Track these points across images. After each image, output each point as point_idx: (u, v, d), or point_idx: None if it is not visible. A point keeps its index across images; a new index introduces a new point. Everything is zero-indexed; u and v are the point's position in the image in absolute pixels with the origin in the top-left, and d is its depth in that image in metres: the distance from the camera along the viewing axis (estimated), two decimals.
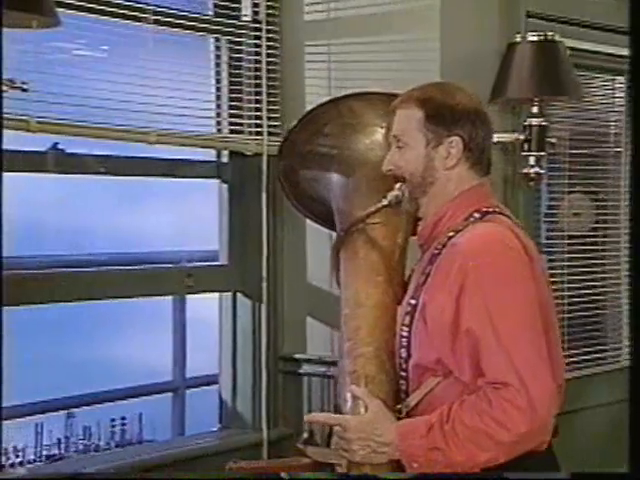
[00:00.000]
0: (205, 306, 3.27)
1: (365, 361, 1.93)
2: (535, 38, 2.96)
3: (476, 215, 1.89)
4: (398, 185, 1.93)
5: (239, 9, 3.04)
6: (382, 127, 2.09)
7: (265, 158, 2.99)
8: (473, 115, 1.91)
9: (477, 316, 1.77)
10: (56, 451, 2.93)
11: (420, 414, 1.84)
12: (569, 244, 3.55)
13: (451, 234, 1.87)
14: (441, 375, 1.83)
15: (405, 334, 1.89)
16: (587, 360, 3.57)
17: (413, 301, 1.88)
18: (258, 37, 3.02)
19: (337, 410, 2.00)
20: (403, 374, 1.90)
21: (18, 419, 2.82)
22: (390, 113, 1.98)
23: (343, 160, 2.13)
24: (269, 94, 3.03)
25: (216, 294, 3.12)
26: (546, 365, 1.76)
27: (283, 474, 2.20)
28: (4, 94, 2.20)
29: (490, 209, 1.91)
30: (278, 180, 2.28)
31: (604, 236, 3.75)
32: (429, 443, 1.75)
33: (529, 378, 1.72)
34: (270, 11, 3.05)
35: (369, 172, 2.08)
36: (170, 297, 3.30)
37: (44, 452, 2.89)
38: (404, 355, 1.89)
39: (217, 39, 3.04)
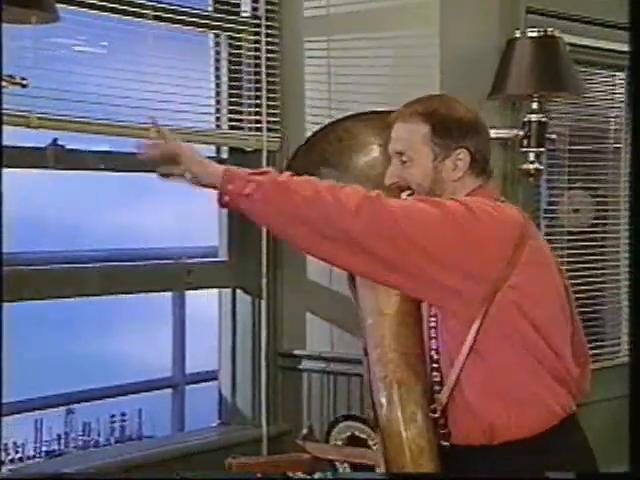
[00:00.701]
0: (205, 302, 3.27)
1: (395, 367, 1.97)
2: (535, 34, 2.96)
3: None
4: (404, 195, 1.96)
5: (239, 5, 3.04)
6: (380, 145, 2.13)
7: (265, 154, 2.99)
8: (476, 127, 1.96)
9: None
10: (56, 447, 2.93)
11: (455, 410, 1.89)
12: (569, 240, 3.55)
13: None
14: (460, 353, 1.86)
15: (433, 324, 1.92)
16: None
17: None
18: (258, 33, 3.02)
19: (370, 416, 2.05)
20: (436, 375, 1.93)
21: (18, 415, 2.82)
22: (386, 128, 2.01)
23: (345, 181, 2.17)
24: (268, 90, 3.03)
25: (216, 290, 3.12)
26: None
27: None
28: (4, 90, 2.20)
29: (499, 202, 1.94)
30: None
31: (604, 232, 3.76)
32: (251, 177, 1.80)
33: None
34: (270, 7, 3.04)
35: (371, 189, 2.11)
36: (170, 293, 3.30)
37: (44, 448, 2.90)
38: (435, 357, 1.93)
39: (217, 35, 3.04)
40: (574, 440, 1.95)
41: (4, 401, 2.00)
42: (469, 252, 1.81)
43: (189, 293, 3.30)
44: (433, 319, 1.92)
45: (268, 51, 3.04)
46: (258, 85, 3.03)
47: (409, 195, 1.96)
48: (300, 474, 2.23)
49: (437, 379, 1.93)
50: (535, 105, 3.00)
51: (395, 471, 1.94)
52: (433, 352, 1.93)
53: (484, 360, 1.86)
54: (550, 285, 1.93)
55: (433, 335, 1.93)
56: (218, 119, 3.04)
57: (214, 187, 1.85)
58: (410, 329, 2.01)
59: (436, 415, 1.91)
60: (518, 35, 2.98)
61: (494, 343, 1.84)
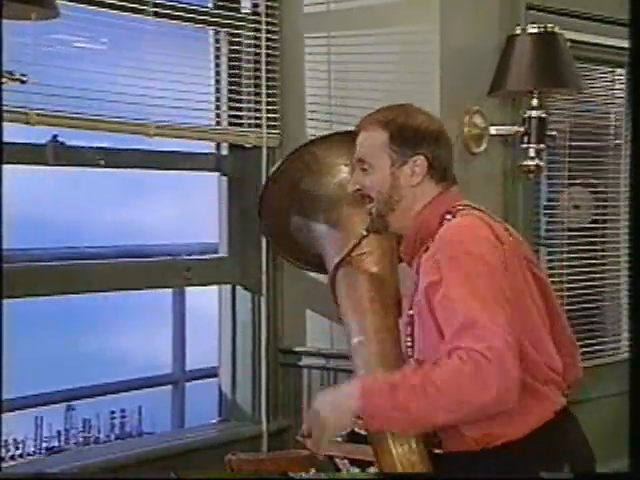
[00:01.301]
0: (204, 299, 3.27)
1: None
2: (535, 30, 2.96)
3: (448, 216, 1.95)
4: (368, 206, 2.03)
5: (239, 1, 3.03)
6: (346, 165, 2.23)
7: (264, 150, 2.99)
8: (435, 135, 2.00)
9: (442, 302, 1.82)
10: (56, 443, 2.93)
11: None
12: (569, 237, 3.55)
13: (429, 239, 1.94)
14: None
15: (409, 344, 1.97)
16: (586, 352, 3.57)
17: (411, 311, 1.95)
18: (257, 29, 3.02)
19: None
20: None
21: (18, 411, 2.82)
22: (352, 147, 2.07)
23: (318, 204, 2.26)
24: (268, 86, 3.02)
25: (215, 287, 3.11)
26: (503, 324, 1.76)
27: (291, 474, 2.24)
28: (3, 86, 2.20)
29: (461, 207, 1.97)
30: (266, 239, 2.40)
31: (604, 229, 3.75)
32: (392, 402, 1.78)
33: (501, 346, 1.73)
34: (269, 3, 3.04)
35: (344, 209, 2.22)
36: (170, 290, 3.30)
37: (44, 444, 2.90)
38: (413, 365, 1.95)
39: (216, 31, 3.03)
40: (568, 432, 1.96)
41: (4, 397, 2.00)
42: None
43: (189, 290, 3.31)
44: (409, 339, 1.96)
45: (268, 47, 3.03)
46: (258, 81, 3.03)
47: (369, 202, 2.01)
48: (303, 474, 2.22)
49: None
50: (535, 101, 2.99)
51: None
52: (417, 364, 1.96)
53: None
54: (520, 288, 1.91)
55: (410, 354, 1.98)
56: (218, 115, 3.04)
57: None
58: (394, 345, 2.07)
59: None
60: (518, 31, 2.98)
61: None
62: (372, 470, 2.43)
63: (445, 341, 1.78)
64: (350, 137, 2.11)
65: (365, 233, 2.07)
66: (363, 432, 2.25)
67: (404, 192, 1.98)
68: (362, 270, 2.15)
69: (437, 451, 1.96)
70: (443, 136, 2.02)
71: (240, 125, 3.02)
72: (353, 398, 1.82)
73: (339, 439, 2.71)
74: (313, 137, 2.39)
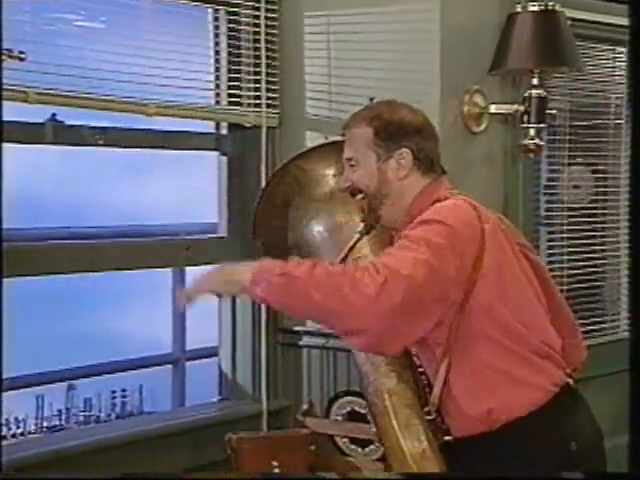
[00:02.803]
0: None
1: (384, 377, 2.04)
2: (535, 8, 2.94)
3: (437, 204, 1.98)
4: (358, 197, 2.07)
5: None
6: (334, 175, 2.26)
7: (264, 130, 2.98)
8: (419, 128, 2.05)
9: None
10: (57, 422, 2.95)
11: (448, 408, 1.94)
12: (569, 216, 3.54)
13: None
14: (442, 356, 1.90)
15: None
16: (585, 332, 3.58)
17: None
18: (257, 8, 3.00)
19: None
20: (423, 378, 2.01)
21: (19, 390, 2.83)
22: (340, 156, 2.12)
23: (311, 217, 2.28)
24: (268, 65, 3.01)
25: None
26: (421, 266, 1.81)
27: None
28: (2, 65, 2.19)
29: (450, 195, 2.00)
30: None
31: (604, 208, 3.75)
32: (280, 269, 1.86)
33: (398, 271, 1.79)
34: None
35: (337, 218, 2.25)
36: (170, 270, 3.30)
37: (45, 423, 2.92)
38: (417, 362, 2.02)
39: (216, 10, 3.02)
40: (574, 411, 1.98)
41: (5, 376, 2.00)
42: (460, 264, 1.86)
43: (189, 269, 3.30)
44: None
45: (267, 26, 3.02)
46: (257, 61, 3.01)
47: (362, 198, 2.06)
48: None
49: (425, 382, 2.01)
50: (535, 80, 2.98)
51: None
52: (415, 358, 2.01)
53: (464, 357, 1.91)
54: (508, 265, 1.95)
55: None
56: (217, 95, 3.02)
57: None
58: None
59: (431, 417, 1.96)
60: (519, 9, 2.96)
61: (468, 339, 1.89)
62: (371, 448, 2.45)
63: None
64: (336, 147, 2.17)
65: (359, 236, 2.09)
66: (363, 411, 2.27)
67: (392, 185, 2.03)
68: None
69: (447, 438, 1.98)
70: (427, 128, 2.06)
71: (239, 104, 3.01)
72: (247, 268, 1.92)
73: (339, 418, 2.73)
74: (305, 150, 2.39)
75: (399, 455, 1.97)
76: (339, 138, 2.16)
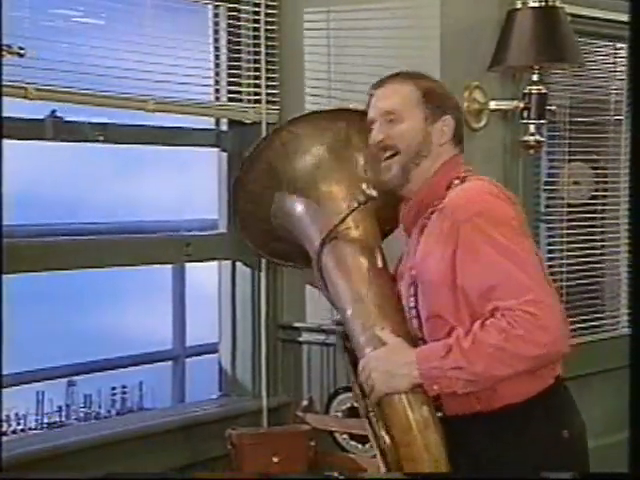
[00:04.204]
0: (204, 275, 3.27)
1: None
2: (536, 4, 2.94)
3: (456, 181, 2.01)
4: (365, 185, 2.04)
5: None
6: (322, 144, 2.21)
7: (264, 126, 2.98)
8: (456, 101, 2.12)
9: (468, 271, 1.87)
10: (57, 419, 2.95)
11: None
12: (569, 213, 3.54)
13: (436, 203, 1.98)
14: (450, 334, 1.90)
15: (413, 304, 1.99)
16: (585, 328, 3.58)
17: (414, 272, 1.98)
18: (257, 4, 2.99)
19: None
20: (421, 344, 1.98)
21: (19, 386, 2.83)
22: (328, 127, 2.16)
23: (297, 185, 2.23)
24: (268, 62, 3.01)
25: (215, 263, 3.11)
26: (552, 289, 1.88)
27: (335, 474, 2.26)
28: (2, 60, 2.19)
29: (468, 175, 2.03)
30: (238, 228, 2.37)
31: (604, 205, 3.75)
32: (449, 364, 1.84)
33: (540, 298, 1.81)
34: None
35: (325, 187, 2.20)
36: (169, 266, 3.30)
37: (45, 420, 2.91)
38: (416, 325, 1.99)
39: (216, 6, 3.01)
40: (564, 401, 2.02)
41: (5, 373, 2.00)
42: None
43: (189, 265, 3.31)
44: (412, 299, 1.99)
45: (267, 22, 3.01)
46: (257, 57, 3.01)
47: (392, 155, 2.02)
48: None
49: None
50: (535, 76, 2.98)
51: (401, 450, 1.93)
52: (417, 330, 1.99)
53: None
54: (533, 250, 1.98)
55: (414, 315, 1.99)
56: (217, 91, 3.02)
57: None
58: (393, 307, 2.06)
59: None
60: (519, 6, 2.95)
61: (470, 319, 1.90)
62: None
63: (483, 300, 1.84)
64: (328, 116, 2.17)
65: (355, 205, 2.05)
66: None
67: (432, 148, 2.04)
68: (352, 241, 2.13)
69: (438, 414, 1.97)
70: (458, 103, 2.15)
71: (239, 101, 3.01)
72: (409, 365, 1.88)
73: (339, 414, 2.73)
74: (297, 116, 2.30)
75: (404, 423, 1.93)
76: (331, 108, 2.15)
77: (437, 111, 2.04)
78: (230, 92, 3.01)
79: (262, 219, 2.31)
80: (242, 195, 2.31)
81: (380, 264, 2.12)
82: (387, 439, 1.94)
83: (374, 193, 2.03)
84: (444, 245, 1.90)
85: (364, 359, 1.95)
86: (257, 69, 3.00)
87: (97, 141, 2.72)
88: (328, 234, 2.09)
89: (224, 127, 3.07)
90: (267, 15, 3.01)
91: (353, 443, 2.65)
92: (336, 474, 2.14)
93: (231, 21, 3.01)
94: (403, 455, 1.92)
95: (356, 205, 2.05)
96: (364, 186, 2.04)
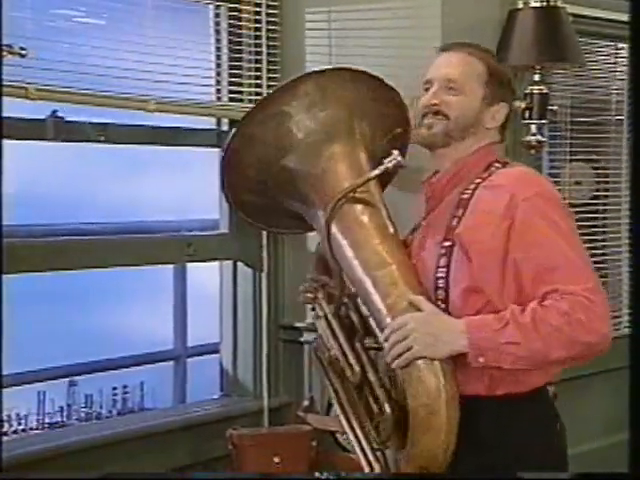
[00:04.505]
0: (206, 275, 3.27)
1: (415, 311, 1.90)
2: (537, 4, 2.93)
3: (497, 164, 2.01)
4: (396, 152, 1.97)
5: None
6: (344, 104, 2.07)
7: None
8: (514, 90, 2.11)
9: (526, 247, 1.85)
10: (58, 419, 2.95)
11: (457, 360, 1.87)
12: None
13: (478, 180, 1.97)
14: (482, 309, 1.88)
15: (442, 275, 1.94)
16: None
17: (447, 243, 1.94)
18: (258, 4, 2.99)
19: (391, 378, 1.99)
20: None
21: (20, 386, 2.83)
22: (355, 82, 2.05)
23: (298, 151, 2.08)
24: (269, 62, 3.01)
25: (216, 263, 3.11)
26: (589, 265, 1.91)
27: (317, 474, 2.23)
28: (3, 60, 2.19)
29: (506, 161, 2.04)
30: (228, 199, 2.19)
31: (605, 204, 3.75)
32: (504, 337, 1.80)
33: (598, 288, 1.84)
34: None
35: (332, 150, 2.07)
36: (171, 266, 3.30)
37: (46, 420, 2.91)
38: (442, 296, 1.94)
39: (217, 6, 3.01)
40: (550, 398, 2.02)
41: (6, 373, 2.00)
42: None
43: (190, 266, 3.30)
44: (443, 269, 1.94)
45: (269, 22, 3.01)
46: (258, 57, 3.01)
47: (440, 118, 1.99)
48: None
49: None
50: (537, 76, 2.97)
51: (419, 418, 1.86)
52: (439, 301, 1.94)
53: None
54: None
55: (441, 285, 1.94)
56: (218, 91, 3.02)
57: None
58: (415, 273, 1.99)
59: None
60: (520, 5, 2.95)
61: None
62: None
63: (538, 280, 1.83)
64: (356, 74, 2.07)
65: (383, 168, 1.95)
66: None
67: (479, 130, 2.02)
68: (366, 203, 2.03)
69: None
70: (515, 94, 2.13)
71: (241, 101, 3.00)
72: (456, 333, 1.83)
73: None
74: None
75: (434, 390, 1.84)
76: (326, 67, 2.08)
77: (496, 95, 2.03)
78: (231, 92, 3.01)
79: (256, 191, 2.17)
80: (234, 163, 2.12)
81: (392, 230, 2.05)
82: (387, 408, 1.91)
83: (403, 162, 1.97)
84: (500, 219, 1.87)
85: (401, 318, 1.87)
86: (258, 69, 3.00)
87: (98, 141, 2.72)
88: (347, 192, 1.98)
89: (225, 127, 3.06)
90: (268, 15, 3.01)
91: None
92: (326, 474, 2.12)
93: (232, 21, 3.00)
94: (420, 424, 1.85)
95: (377, 172, 1.97)
96: (395, 153, 1.96)
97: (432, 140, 2.03)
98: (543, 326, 1.79)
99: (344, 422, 2.05)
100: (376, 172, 1.97)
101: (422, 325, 1.86)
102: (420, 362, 1.86)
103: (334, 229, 2.00)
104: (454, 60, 2.04)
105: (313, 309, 2.16)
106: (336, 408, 2.08)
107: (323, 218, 2.00)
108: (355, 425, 2.02)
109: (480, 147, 2.03)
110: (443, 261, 1.94)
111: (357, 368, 1.99)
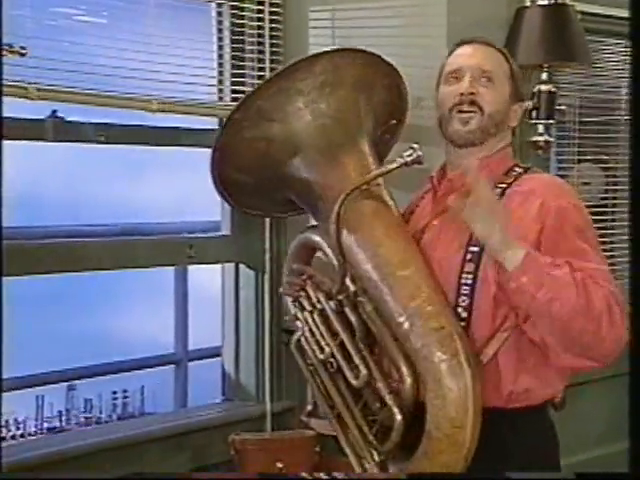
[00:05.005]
0: (207, 277, 3.24)
1: (446, 315, 1.83)
2: (545, 2, 2.92)
3: (518, 169, 1.97)
4: (416, 146, 1.88)
5: None
6: (357, 87, 1.98)
7: None
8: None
9: (559, 254, 1.81)
10: (57, 424, 2.93)
11: (497, 365, 1.84)
12: None
13: (503, 185, 1.92)
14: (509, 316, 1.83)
15: (469, 281, 1.86)
16: None
17: (474, 247, 1.86)
18: (261, 3, 2.97)
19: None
20: (463, 324, 1.86)
21: (19, 391, 2.81)
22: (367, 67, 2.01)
23: (320, 120, 1.96)
24: (272, 61, 2.98)
25: (218, 265, 3.09)
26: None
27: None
28: (3, 60, 2.17)
29: (528, 166, 2.02)
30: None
31: (614, 205, 3.71)
32: (555, 274, 1.76)
33: (622, 298, 1.79)
34: None
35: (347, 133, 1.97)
36: (172, 268, 3.27)
37: (45, 424, 2.90)
38: (465, 303, 1.86)
39: (219, 5, 2.99)
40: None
41: (4, 377, 1.97)
42: None
43: (191, 268, 3.28)
44: (470, 276, 1.87)
45: (271, 21, 2.99)
46: (261, 56, 2.99)
47: (475, 112, 1.94)
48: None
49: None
50: (545, 76, 2.95)
51: (447, 438, 1.78)
52: (462, 310, 1.87)
53: (520, 334, 1.85)
54: None
55: (465, 291, 1.87)
56: (220, 91, 3.00)
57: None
58: (434, 276, 1.89)
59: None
60: (528, 3, 2.94)
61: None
62: None
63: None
64: (371, 58, 2.00)
65: (403, 161, 1.86)
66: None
67: (504, 127, 1.99)
68: (379, 198, 1.95)
69: None
70: None
71: None
72: (514, 247, 1.77)
73: None
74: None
75: (462, 404, 1.76)
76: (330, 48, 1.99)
77: (517, 93, 2.01)
78: (234, 92, 2.98)
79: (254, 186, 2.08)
80: (227, 159, 2.03)
81: (405, 224, 2.00)
82: (398, 415, 1.82)
83: (422, 159, 1.87)
84: (532, 224, 1.84)
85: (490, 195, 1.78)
86: (261, 69, 2.98)
87: (99, 142, 2.70)
88: (362, 184, 1.87)
89: None
90: (271, 14, 2.99)
91: None
92: (322, 474, 2.08)
93: (235, 20, 2.98)
94: (442, 437, 1.77)
95: (395, 166, 1.87)
96: (416, 146, 1.87)
97: (469, 137, 1.95)
98: (586, 294, 1.75)
99: (338, 429, 1.97)
100: (394, 165, 1.88)
101: (502, 216, 1.79)
102: (449, 373, 1.77)
103: (344, 224, 1.88)
104: (483, 52, 1.99)
105: (296, 302, 2.05)
106: (327, 413, 2.00)
107: (330, 211, 1.87)
108: (353, 432, 1.94)
109: (501, 147, 1.99)
110: (469, 267, 1.87)
111: (364, 371, 1.90)
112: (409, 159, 1.87)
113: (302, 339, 2.02)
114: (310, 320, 2.00)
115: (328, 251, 2.01)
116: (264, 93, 1.96)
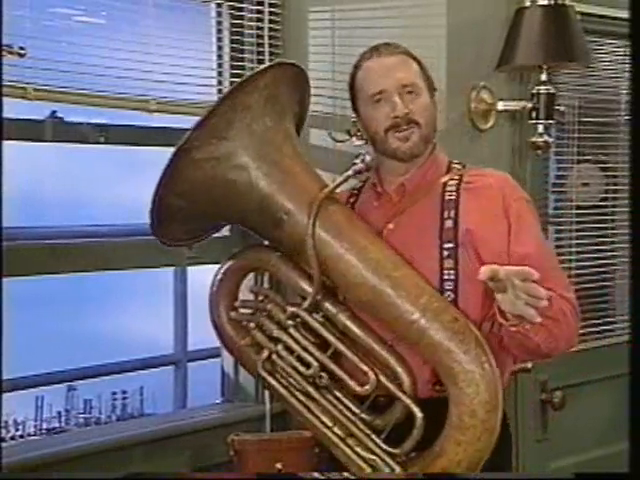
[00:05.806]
0: (207, 278, 3.23)
1: (453, 308, 1.89)
2: (544, 2, 2.92)
3: (456, 165, 2.04)
4: (364, 151, 1.95)
5: None
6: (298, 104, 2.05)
7: None
8: None
9: (527, 243, 1.92)
10: (57, 424, 2.92)
11: None
12: (578, 214, 3.51)
13: (452, 182, 1.98)
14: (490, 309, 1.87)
15: (451, 277, 1.92)
16: (595, 332, 3.54)
17: (449, 244, 1.92)
18: (260, 3, 2.97)
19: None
20: None
21: (18, 392, 2.81)
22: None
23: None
24: (271, 62, 2.97)
25: (218, 266, 3.07)
26: None
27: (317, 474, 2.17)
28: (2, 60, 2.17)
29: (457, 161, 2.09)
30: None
31: (613, 206, 3.71)
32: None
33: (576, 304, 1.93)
34: None
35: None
36: (171, 269, 3.27)
37: (44, 425, 2.89)
38: (450, 298, 1.92)
39: (219, 5, 2.98)
40: None
41: (4, 378, 1.97)
42: None
43: (191, 269, 3.27)
44: (452, 272, 1.93)
45: (271, 21, 2.98)
46: (260, 57, 2.98)
47: (412, 127, 1.98)
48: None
49: None
50: (544, 76, 2.95)
51: (472, 440, 1.82)
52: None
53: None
54: None
55: (449, 287, 1.93)
56: (219, 91, 2.99)
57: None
58: (427, 279, 1.94)
59: None
60: (527, 4, 2.93)
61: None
62: None
63: (543, 278, 1.75)
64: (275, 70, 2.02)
65: (351, 172, 1.92)
66: None
67: (436, 122, 2.05)
68: (342, 207, 2.02)
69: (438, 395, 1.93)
70: None
71: None
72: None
73: None
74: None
75: (492, 393, 1.81)
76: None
77: (431, 83, 2.05)
78: None
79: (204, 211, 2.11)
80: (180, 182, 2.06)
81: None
82: (419, 413, 1.90)
83: (372, 163, 1.94)
84: (500, 218, 1.93)
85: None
86: None
87: (98, 142, 2.69)
88: (319, 204, 1.90)
89: None
90: (271, 14, 2.98)
91: None
92: (316, 474, 2.08)
93: (234, 20, 2.98)
94: (469, 440, 1.82)
95: (351, 173, 1.93)
96: (363, 152, 1.94)
97: (413, 152, 2.00)
98: (568, 327, 1.87)
99: (343, 455, 2.02)
100: (350, 173, 1.93)
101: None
102: (475, 360, 1.82)
103: (321, 234, 1.92)
104: (399, 64, 2.02)
105: (255, 324, 2.07)
106: (321, 439, 2.01)
107: (296, 224, 1.92)
108: (364, 442, 1.99)
109: (435, 144, 2.06)
110: (449, 263, 1.92)
111: (372, 376, 1.93)
112: (362, 165, 1.93)
113: (274, 359, 2.01)
114: (285, 337, 2.00)
115: (284, 268, 2.04)
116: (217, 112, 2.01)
